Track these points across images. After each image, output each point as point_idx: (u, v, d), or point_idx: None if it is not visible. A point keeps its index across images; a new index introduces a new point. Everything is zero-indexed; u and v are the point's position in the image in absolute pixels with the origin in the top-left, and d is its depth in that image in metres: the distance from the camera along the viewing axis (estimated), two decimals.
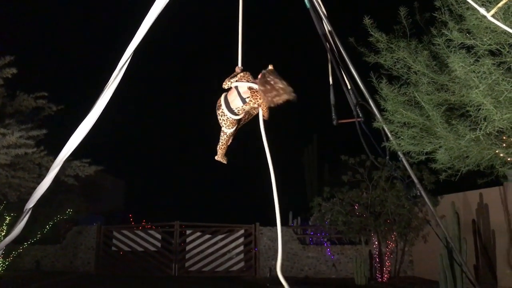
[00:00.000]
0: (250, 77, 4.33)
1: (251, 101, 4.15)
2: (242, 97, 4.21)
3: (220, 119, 4.49)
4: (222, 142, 4.77)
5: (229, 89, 4.44)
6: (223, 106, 4.37)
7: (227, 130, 4.59)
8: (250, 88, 4.19)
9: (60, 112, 11.67)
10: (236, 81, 4.35)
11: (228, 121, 4.45)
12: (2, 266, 12.36)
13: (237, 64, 4.87)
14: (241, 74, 4.41)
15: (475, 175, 6.39)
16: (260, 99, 4.11)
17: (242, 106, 4.25)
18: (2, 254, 10.76)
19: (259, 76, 4.10)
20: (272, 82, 3.98)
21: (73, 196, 14.62)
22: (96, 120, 6.24)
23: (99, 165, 12.06)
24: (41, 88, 11.09)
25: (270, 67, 4.27)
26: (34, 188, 6.67)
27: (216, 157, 4.99)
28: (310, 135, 22.85)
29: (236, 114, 4.37)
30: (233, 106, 4.30)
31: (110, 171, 18.39)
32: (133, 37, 5.66)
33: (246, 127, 5.00)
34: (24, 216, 6.60)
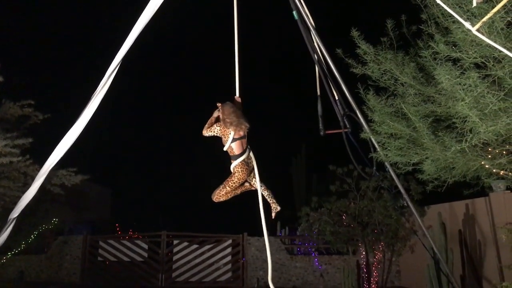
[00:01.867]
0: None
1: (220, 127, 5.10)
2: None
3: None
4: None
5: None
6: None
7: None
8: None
9: (47, 120, 11.56)
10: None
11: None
12: None
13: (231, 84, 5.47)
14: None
15: (461, 186, 6.45)
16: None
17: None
18: None
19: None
20: (225, 117, 5.00)
21: (58, 206, 14.44)
22: (83, 129, 6.20)
23: (86, 174, 11.95)
24: (27, 96, 10.99)
25: (238, 99, 5.50)
26: (19, 198, 6.59)
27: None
28: (298, 145, 22.90)
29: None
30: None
31: (96, 180, 18.23)
32: (120, 47, 5.65)
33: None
34: (8, 226, 6.50)
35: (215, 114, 5.14)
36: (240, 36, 5.76)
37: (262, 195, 5.17)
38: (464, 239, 9.98)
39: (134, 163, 30.41)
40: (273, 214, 5.64)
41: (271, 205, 5.55)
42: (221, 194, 5.14)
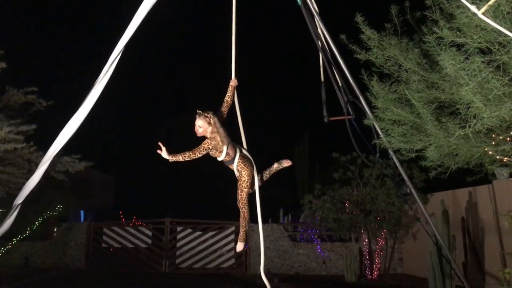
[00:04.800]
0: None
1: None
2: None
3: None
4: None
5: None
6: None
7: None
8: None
9: (50, 107, 11.58)
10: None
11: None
12: None
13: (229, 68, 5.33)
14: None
15: (465, 173, 6.44)
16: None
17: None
18: None
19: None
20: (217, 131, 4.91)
21: (63, 192, 14.51)
22: (86, 116, 6.21)
23: (89, 161, 11.99)
24: (30, 83, 11.00)
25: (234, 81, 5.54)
26: (23, 184, 6.62)
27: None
28: (301, 132, 22.89)
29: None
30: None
31: (100, 167, 18.30)
32: (124, 32, 5.64)
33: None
34: (13, 212, 6.55)
35: (166, 155, 4.87)
36: (240, 18, 5.75)
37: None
38: (467, 226, 10.00)
39: (138, 150, 30.45)
40: (239, 245, 5.61)
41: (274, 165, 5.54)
42: (244, 198, 5.14)
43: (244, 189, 5.07)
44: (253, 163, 5.20)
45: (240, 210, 5.18)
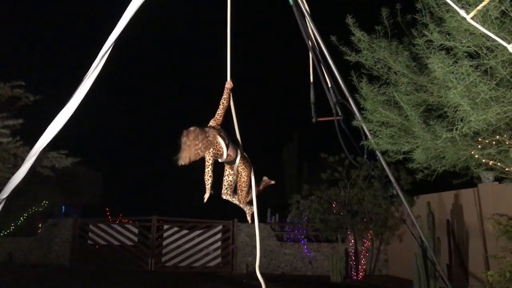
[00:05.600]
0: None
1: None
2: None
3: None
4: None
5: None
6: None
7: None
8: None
9: (38, 102, 11.48)
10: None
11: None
12: None
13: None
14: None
15: (451, 175, 6.51)
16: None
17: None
18: None
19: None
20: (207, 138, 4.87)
21: (49, 188, 14.39)
22: (74, 111, 6.16)
23: (76, 157, 11.91)
24: (18, 77, 10.88)
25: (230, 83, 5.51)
26: (8, 179, 6.54)
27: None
28: (290, 132, 22.95)
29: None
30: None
31: (87, 163, 18.16)
32: (114, 28, 5.60)
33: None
34: None
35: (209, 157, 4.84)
36: (233, 21, 5.75)
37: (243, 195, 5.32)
38: (452, 228, 10.10)
39: (126, 147, 30.30)
40: (249, 218, 5.73)
41: (246, 207, 5.62)
42: (244, 197, 5.22)
43: (243, 189, 5.16)
44: (251, 164, 5.25)
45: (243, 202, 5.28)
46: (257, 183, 5.51)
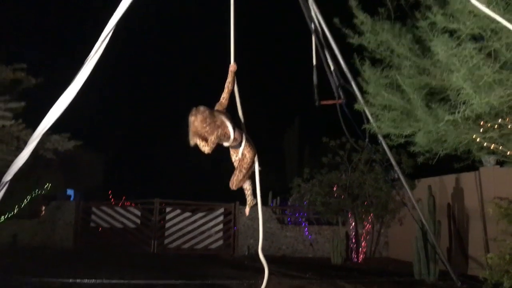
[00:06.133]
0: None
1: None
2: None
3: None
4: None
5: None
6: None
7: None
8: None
9: (40, 85, 11.44)
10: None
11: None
12: None
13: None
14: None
15: (452, 159, 6.52)
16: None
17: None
18: None
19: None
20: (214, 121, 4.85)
21: (51, 171, 14.44)
22: (76, 94, 6.16)
23: (79, 140, 11.92)
24: (20, 60, 10.84)
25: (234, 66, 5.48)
26: (11, 161, 6.59)
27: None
28: (292, 116, 22.91)
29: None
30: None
31: (89, 146, 18.18)
32: (115, 9, 5.57)
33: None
34: (1, 190, 6.52)
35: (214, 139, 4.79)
36: (236, 4, 5.72)
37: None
38: (453, 212, 10.15)
39: (128, 130, 30.28)
40: (247, 209, 5.68)
41: (247, 196, 5.59)
42: (239, 180, 5.19)
43: (243, 170, 5.12)
44: (255, 148, 5.25)
45: (235, 186, 5.27)
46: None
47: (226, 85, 5.35)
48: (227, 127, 4.90)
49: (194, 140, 4.77)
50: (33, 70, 11.22)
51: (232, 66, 5.53)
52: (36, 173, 13.57)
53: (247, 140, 5.15)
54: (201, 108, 4.76)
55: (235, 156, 5.27)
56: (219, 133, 4.84)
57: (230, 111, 5.30)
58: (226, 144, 5.06)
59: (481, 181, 9.26)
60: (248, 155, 5.12)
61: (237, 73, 5.69)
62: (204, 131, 4.73)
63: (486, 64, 3.70)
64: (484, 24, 3.87)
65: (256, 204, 5.56)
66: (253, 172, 5.35)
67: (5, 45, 12.17)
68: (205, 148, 4.79)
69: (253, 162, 5.23)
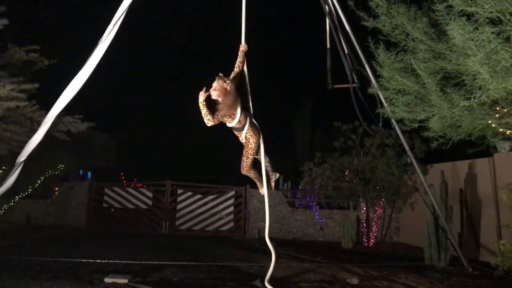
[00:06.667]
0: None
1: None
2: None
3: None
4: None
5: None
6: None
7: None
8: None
9: (53, 66, 11.50)
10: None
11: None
12: None
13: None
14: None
15: (466, 145, 6.46)
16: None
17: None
18: None
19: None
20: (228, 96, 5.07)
21: (64, 152, 14.58)
22: (89, 76, 6.19)
23: (91, 122, 12.01)
24: (33, 41, 10.88)
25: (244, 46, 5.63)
26: (25, 142, 6.67)
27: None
28: (304, 99, 22.80)
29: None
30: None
31: (102, 128, 18.32)
32: None
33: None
34: (16, 170, 6.62)
35: (202, 98, 4.92)
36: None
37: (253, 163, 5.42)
38: (465, 198, 10.09)
39: (140, 112, 30.40)
40: (273, 183, 5.79)
41: (269, 173, 5.67)
42: (248, 165, 5.28)
43: (250, 156, 5.20)
44: (260, 131, 5.28)
45: (248, 174, 5.34)
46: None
47: (236, 65, 5.45)
48: (237, 108, 4.96)
49: (203, 99, 4.91)
50: (47, 51, 11.27)
51: (243, 46, 5.59)
52: (50, 154, 13.71)
53: (251, 124, 5.17)
54: (229, 81, 5.02)
55: (240, 139, 5.32)
56: (227, 111, 4.91)
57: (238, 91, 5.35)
58: (229, 124, 5.10)
59: (495, 167, 9.17)
60: (252, 139, 5.16)
61: (250, 56, 5.69)
62: (222, 100, 4.89)
63: (504, 48, 3.63)
64: (503, 7, 3.78)
65: (275, 181, 5.67)
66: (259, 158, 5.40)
67: (18, 26, 12.19)
68: (209, 121, 4.88)
69: (258, 147, 5.26)
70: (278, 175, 5.70)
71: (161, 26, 34.09)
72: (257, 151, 5.30)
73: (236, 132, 5.29)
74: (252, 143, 5.17)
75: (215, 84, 4.99)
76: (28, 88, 10.06)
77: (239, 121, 5.07)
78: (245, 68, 5.65)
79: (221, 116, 4.95)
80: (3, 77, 9.62)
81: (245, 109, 5.28)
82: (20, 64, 10.88)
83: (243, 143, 5.30)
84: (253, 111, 5.56)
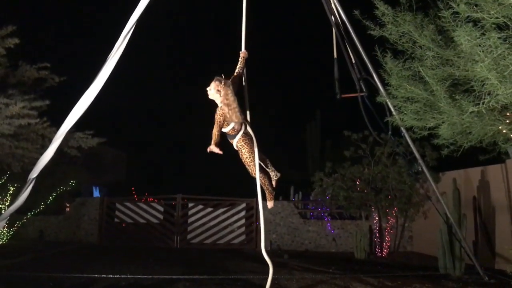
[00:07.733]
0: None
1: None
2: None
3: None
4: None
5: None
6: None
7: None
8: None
9: (63, 83, 11.64)
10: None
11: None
12: (6, 235, 12.55)
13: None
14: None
15: (477, 151, 6.40)
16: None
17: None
18: (6, 223, 10.93)
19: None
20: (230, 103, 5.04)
21: (76, 168, 14.70)
22: (99, 92, 6.24)
23: (102, 137, 12.10)
24: (43, 59, 11.04)
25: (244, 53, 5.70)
26: (37, 159, 6.72)
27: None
28: (313, 110, 22.80)
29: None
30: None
31: (112, 143, 18.43)
32: (136, 6, 5.61)
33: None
34: (28, 186, 6.67)
35: (219, 116, 4.99)
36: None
37: (264, 169, 5.46)
38: (478, 205, 9.97)
39: (150, 127, 30.58)
40: (274, 183, 5.75)
41: (270, 173, 5.63)
42: (254, 171, 5.28)
43: (249, 164, 5.19)
44: (254, 140, 5.23)
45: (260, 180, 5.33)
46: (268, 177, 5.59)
47: (236, 71, 5.56)
48: (235, 112, 4.98)
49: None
50: (56, 68, 11.43)
51: (243, 53, 5.67)
52: (61, 170, 13.82)
53: (244, 133, 5.14)
54: (227, 82, 5.10)
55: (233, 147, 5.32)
56: (222, 112, 4.93)
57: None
58: (224, 130, 5.09)
59: (508, 173, 9.07)
60: (243, 149, 5.15)
61: (258, 68, 5.72)
62: (221, 101, 4.99)
63: (511, 53, 3.62)
64: (509, 12, 3.76)
65: (276, 179, 5.64)
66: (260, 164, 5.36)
67: (29, 45, 12.38)
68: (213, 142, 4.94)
69: (253, 154, 5.21)
70: (279, 174, 5.66)
71: (171, 38, 34.43)
72: (253, 159, 5.26)
73: (229, 140, 5.28)
74: (245, 153, 5.17)
75: (211, 85, 5.09)
76: (39, 105, 10.19)
77: (234, 128, 5.07)
78: (244, 72, 5.71)
79: (219, 117, 4.98)
80: (15, 95, 9.75)
81: (243, 116, 5.27)
82: (31, 81, 11.03)
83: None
84: (260, 122, 5.58)
